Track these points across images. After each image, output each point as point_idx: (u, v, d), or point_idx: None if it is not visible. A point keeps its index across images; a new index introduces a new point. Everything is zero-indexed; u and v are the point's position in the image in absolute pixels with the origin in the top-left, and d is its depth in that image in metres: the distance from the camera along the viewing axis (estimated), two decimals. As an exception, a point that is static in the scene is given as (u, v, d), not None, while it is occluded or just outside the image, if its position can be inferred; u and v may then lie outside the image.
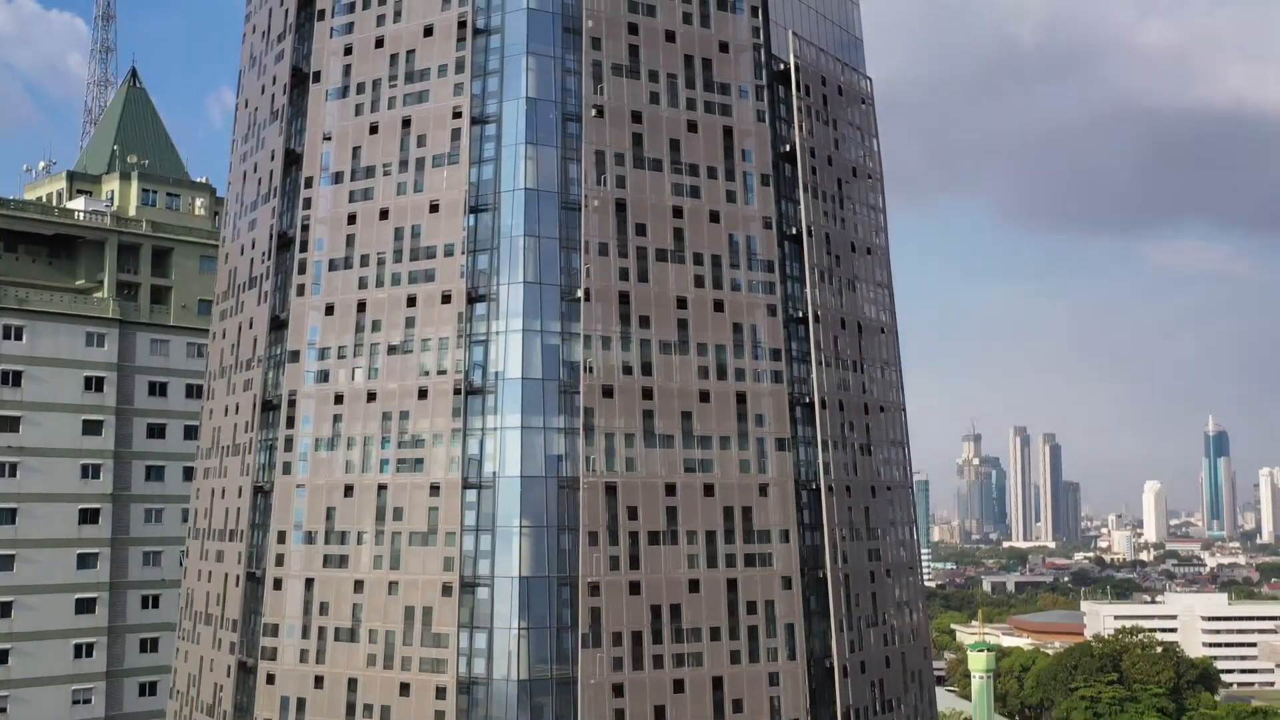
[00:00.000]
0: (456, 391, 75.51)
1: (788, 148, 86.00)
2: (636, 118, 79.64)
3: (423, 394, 76.58)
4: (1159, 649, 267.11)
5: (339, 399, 79.31)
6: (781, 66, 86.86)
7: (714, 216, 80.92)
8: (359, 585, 76.09)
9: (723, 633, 76.42)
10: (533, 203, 77.40)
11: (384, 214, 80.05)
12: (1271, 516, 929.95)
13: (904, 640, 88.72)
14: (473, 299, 76.79)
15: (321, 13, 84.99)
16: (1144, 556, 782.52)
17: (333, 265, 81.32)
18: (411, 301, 78.07)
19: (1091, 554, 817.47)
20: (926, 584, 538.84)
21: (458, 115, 78.65)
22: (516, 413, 74.96)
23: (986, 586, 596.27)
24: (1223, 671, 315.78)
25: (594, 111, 78.29)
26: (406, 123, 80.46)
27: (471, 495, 74.55)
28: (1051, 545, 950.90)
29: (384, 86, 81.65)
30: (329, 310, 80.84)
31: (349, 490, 77.62)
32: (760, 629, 77.47)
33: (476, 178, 78.54)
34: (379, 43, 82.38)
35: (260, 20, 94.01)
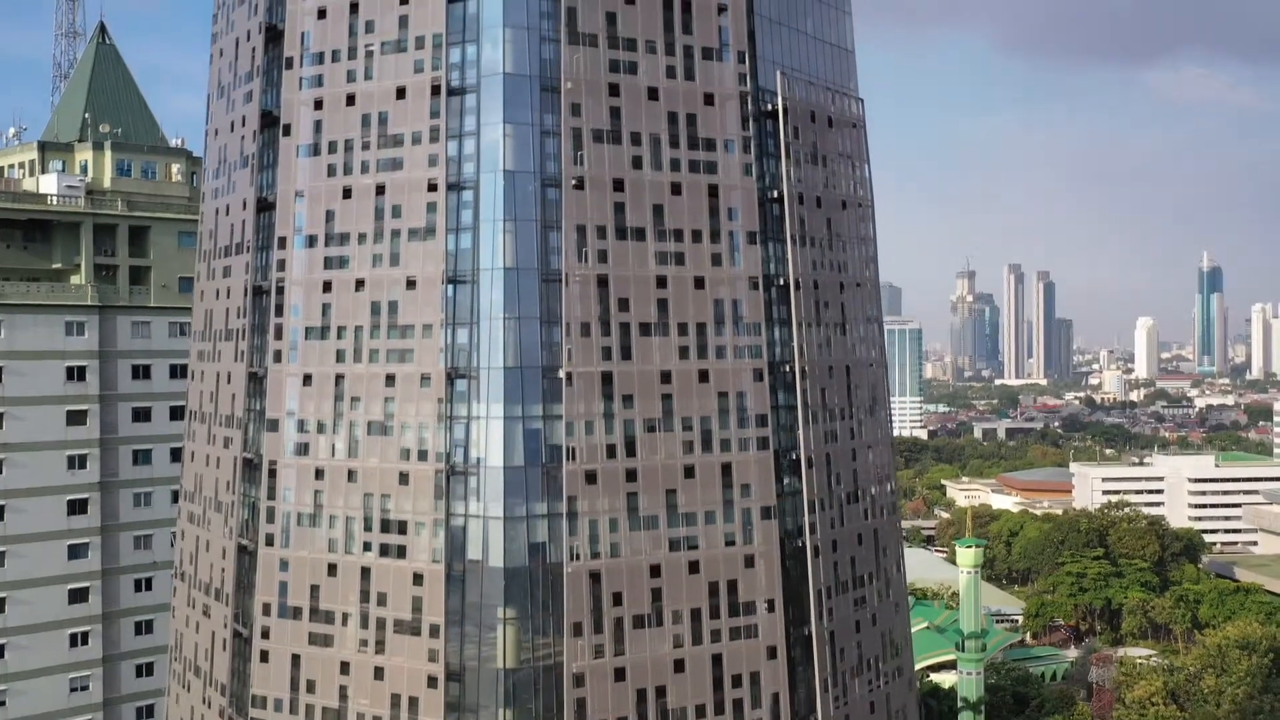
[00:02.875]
0: (438, 477, 74.52)
1: (776, 194, 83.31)
2: (618, 185, 76.99)
3: (404, 478, 75.68)
4: (1144, 522, 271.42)
5: (319, 474, 78.47)
6: (770, 106, 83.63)
7: (699, 283, 78.90)
8: (345, 666, 76.38)
9: (708, 709, 77.01)
10: (512, 281, 75.38)
11: (360, 284, 78.01)
12: (1262, 352, 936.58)
13: (890, 681, 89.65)
14: (453, 378, 75.31)
15: (290, 60, 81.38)
16: (1134, 396, 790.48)
17: (309, 333, 79.58)
18: (390, 380, 76.63)
19: (1082, 394, 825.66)
20: (917, 431, 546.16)
21: (433, 188, 75.97)
22: (499, 500, 74.27)
23: (977, 433, 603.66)
24: (1207, 533, 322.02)
25: (574, 183, 75.60)
26: (380, 189, 77.79)
27: (455, 583, 74.19)
28: (1043, 382, 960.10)
29: (356, 148, 78.68)
30: (306, 380, 79.37)
31: (332, 569, 77.33)
32: (745, 701, 78.10)
33: (455, 247, 76.30)
34: (350, 100, 79.09)
35: (227, 48, 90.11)
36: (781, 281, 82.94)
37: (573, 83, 76.00)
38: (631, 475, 76.12)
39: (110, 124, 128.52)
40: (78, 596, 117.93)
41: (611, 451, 75.72)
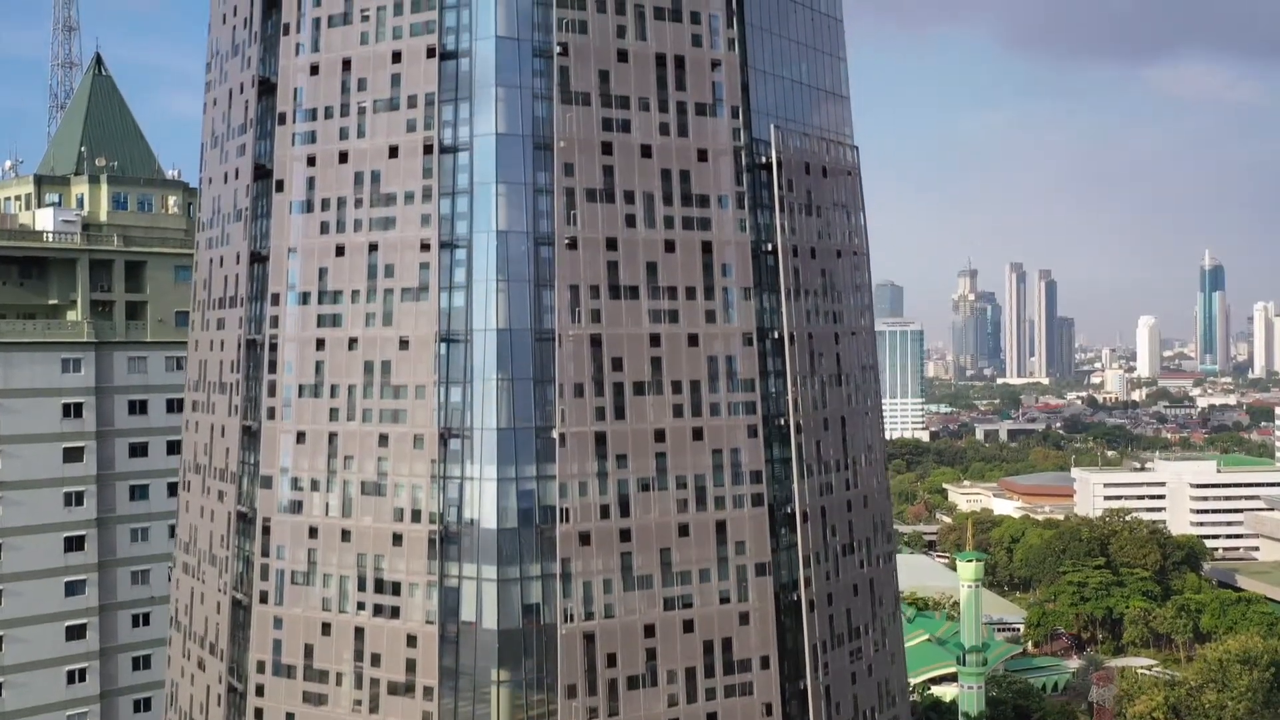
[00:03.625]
0: (431, 540, 74.43)
1: (770, 247, 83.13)
2: (611, 244, 76.81)
3: (397, 539, 75.58)
4: (1146, 531, 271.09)
5: (313, 532, 78.36)
6: (764, 159, 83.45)
7: (693, 339, 78.76)
8: (339, 726, 76.29)
9: (702, 768, 76.96)
10: (505, 342, 75.23)
11: (353, 343, 77.88)
12: (1264, 350, 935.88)
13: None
14: (446, 438, 75.19)
15: (283, 115, 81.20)
16: (1136, 396, 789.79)
17: (302, 390, 79.48)
18: (384, 440, 76.49)
19: (1084, 393, 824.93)
20: (919, 433, 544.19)
21: (426, 247, 75.80)
22: (493, 562, 74.13)
23: (979, 434, 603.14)
24: (1209, 538, 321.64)
25: (567, 243, 75.42)
26: (374, 248, 77.65)
27: (449, 645, 74.10)
28: (1045, 381, 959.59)
29: (349, 205, 78.51)
30: (300, 438, 79.26)
31: (326, 628, 77.24)
32: (740, 760, 78.00)
33: (448, 305, 76.15)
34: (343, 157, 78.93)
35: (221, 98, 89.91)
36: (776, 335, 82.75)
37: (566, 141, 75.83)
38: (625, 535, 76.01)
39: (106, 156, 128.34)
40: (75, 633, 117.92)
41: (605, 512, 75.58)
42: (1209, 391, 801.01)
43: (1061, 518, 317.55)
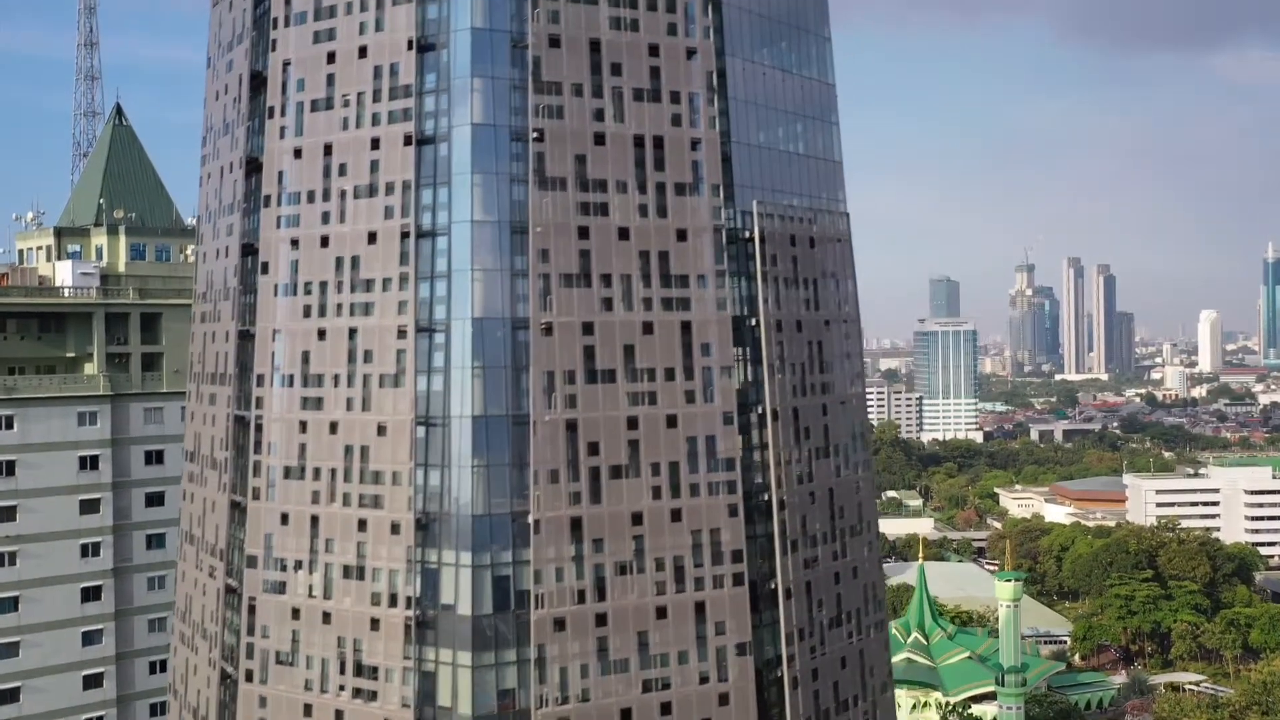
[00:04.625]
0: (408, 625, 75.04)
1: (753, 321, 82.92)
2: (588, 329, 76.90)
3: (375, 624, 76.27)
4: (1195, 544, 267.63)
5: (296, 613, 79.22)
6: (747, 234, 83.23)
7: (671, 421, 78.67)
8: (321, 807, 77.14)
9: None
10: (480, 427, 75.60)
11: (334, 427, 78.61)
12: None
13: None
14: (423, 524, 75.77)
15: (267, 198, 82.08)
16: (1197, 393, 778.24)
17: (287, 472, 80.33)
18: (363, 525, 77.18)
19: (1144, 390, 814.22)
20: (972, 433, 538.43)
21: (403, 334, 76.33)
22: (468, 648, 74.57)
23: (1034, 435, 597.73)
24: (1264, 545, 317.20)
25: (543, 329, 75.64)
26: (354, 333, 78.32)
27: (425, 731, 74.73)
28: (1104, 377, 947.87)
29: (331, 290, 79.24)
30: (284, 519, 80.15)
31: (308, 709, 78.12)
32: (719, 841, 78.02)
33: (427, 389, 76.65)
34: (325, 241, 79.65)
35: (214, 173, 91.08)
36: (760, 410, 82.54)
37: (541, 227, 76.00)
38: (601, 619, 76.16)
39: (125, 208, 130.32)
40: (92, 682, 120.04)
41: (581, 596, 75.79)
42: (1272, 388, 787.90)
43: (1113, 524, 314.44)
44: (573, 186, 77.02)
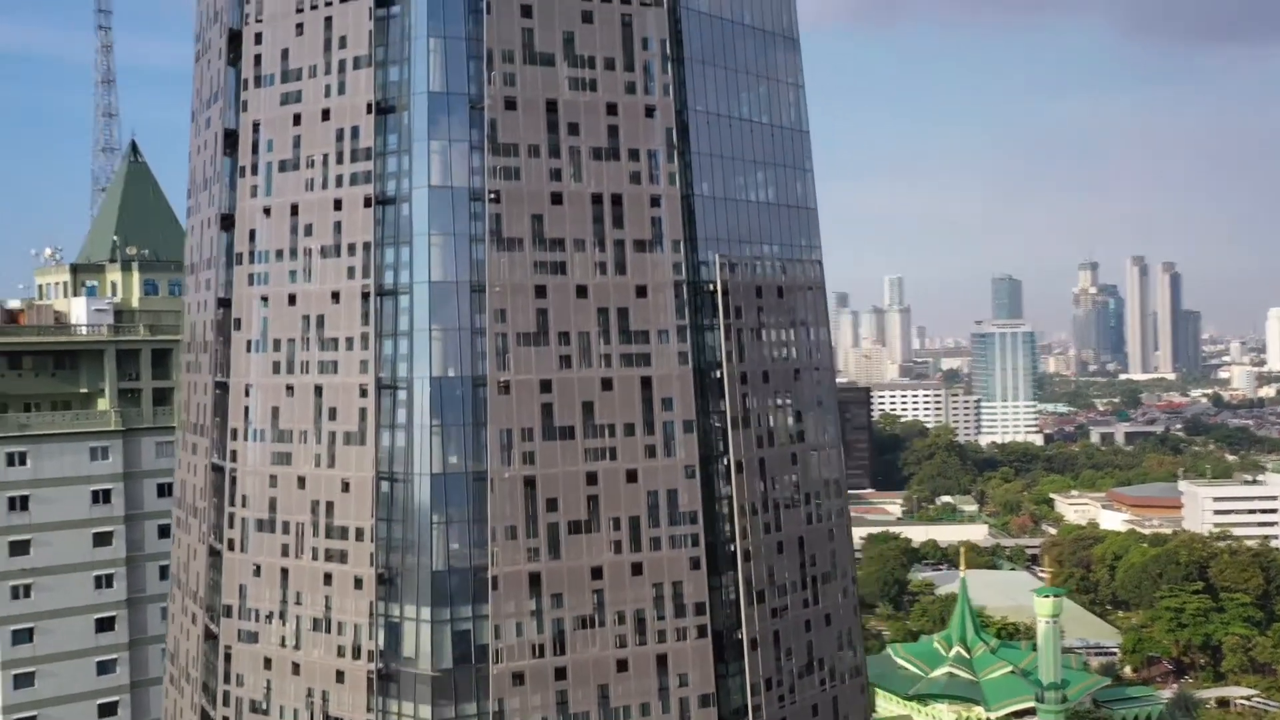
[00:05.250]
0: (370, 679, 76.61)
1: (718, 374, 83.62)
2: (546, 386, 78.02)
3: (340, 676, 77.92)
4: (1248, 555, 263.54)
5: (268, 663, 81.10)
6: (711, 287, 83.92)
7: (631, 476, 79.57)
8: None
9: None
10: (439, 485, 77.03)
11: (301, 482, 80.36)
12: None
13: None
14: (385, 579, 77.33)
15: (239, 255, 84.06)
16: (1265, 392, 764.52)
17: (260, 525, 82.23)
18: (328, 579, 78.87)
19: (1210, 390, 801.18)
20: (1031, 435, 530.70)
21: (364, 393, 77.92)
22: (428, 703, 76.03)
23: (1095, 438, 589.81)
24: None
25: (500, 387, 76.87)
26: (319, 390, 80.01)
27: (387, 783, 76.27)
28: (1170, 377, 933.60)
29: (299, 347, 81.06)
30: (256, 570, 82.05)
31: (278, 758, 79.98)
32: None
33: (391, 444, 78.20)
34: (292, 299, 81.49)
35: (196, 225, 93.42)
36: (725, 463, 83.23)
37: (499, 287, 77.20)
38: (561, 673, 77.30)
39: (139, 244, 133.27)
40: (107, 710, 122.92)
41: (540, 650, 76.97)
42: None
43: (1170, 532, 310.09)
44: (530, 246, 78.15)
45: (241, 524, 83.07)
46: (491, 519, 76.30)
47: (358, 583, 77.62)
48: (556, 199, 78.90)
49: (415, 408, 77.50)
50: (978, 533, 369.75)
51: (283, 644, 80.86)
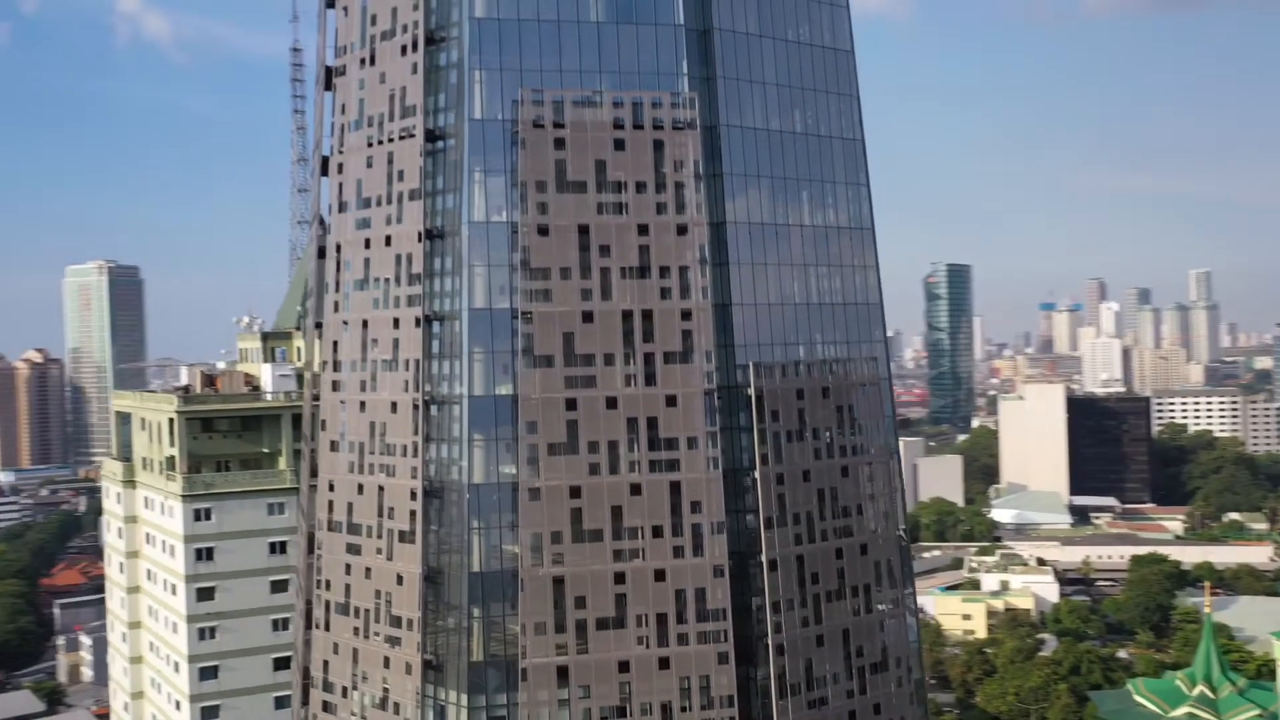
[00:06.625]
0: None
1: (750, 481, 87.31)
2: (575, 493, 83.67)
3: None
4: None
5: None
6: (749, 391, 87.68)
7: (659, 575, 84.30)
8: None
9: None
10: (476, 583, 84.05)
11: (368, 573, 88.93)
12: None
13: None
14: (432, 665, 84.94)
15: (324, 364, 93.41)
16: None
17: (338, 608, 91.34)
18: (387, 662, 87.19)
19: None
20: None
21: (414, 496, 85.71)
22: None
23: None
24: None
25: (530, 494, 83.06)
26: (381, 490, 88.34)
27: None
28: None
29: (366, 450, 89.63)
30: (335, 649, 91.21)
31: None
32: None
33: (437, 544, 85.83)
34: (362, 407, 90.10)
35: (306, 327, 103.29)
36: (757, 560, 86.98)
37: (529, 401, 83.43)
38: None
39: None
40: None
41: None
42: None
43: None
44: (560, 362, 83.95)
45: (326, 606, 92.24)
46: (522, 615, 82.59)
47: (408, 668, 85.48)
48: (587, 317, 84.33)
49: (456, 511, 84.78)
50: (1262, 554, 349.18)
51: (351, 715, 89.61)
